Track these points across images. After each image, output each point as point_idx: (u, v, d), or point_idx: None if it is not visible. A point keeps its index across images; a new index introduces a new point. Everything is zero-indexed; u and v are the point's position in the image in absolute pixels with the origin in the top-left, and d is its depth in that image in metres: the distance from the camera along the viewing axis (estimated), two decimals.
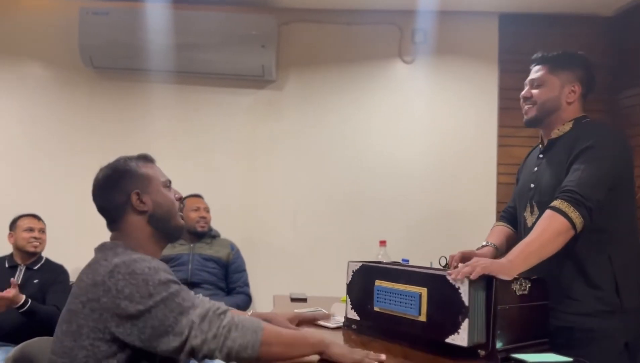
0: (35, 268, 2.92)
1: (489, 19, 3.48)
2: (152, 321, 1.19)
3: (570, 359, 1.33)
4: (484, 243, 1.92)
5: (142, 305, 1.19)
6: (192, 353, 1.20)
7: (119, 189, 1.37)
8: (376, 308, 1.60)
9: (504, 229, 1.98)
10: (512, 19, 3.46)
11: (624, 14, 3.35)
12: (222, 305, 1.27)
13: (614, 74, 3.40)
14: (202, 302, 1.25)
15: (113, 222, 1.39)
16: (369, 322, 1.64)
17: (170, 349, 1.19)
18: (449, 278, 1.40)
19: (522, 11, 3.41)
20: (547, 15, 3.41)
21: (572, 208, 1.53)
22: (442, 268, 1.78)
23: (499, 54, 3.48)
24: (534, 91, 1.77)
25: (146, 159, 1.45)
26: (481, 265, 1.39)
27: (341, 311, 1.81)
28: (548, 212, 1.57)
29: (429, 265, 2.08)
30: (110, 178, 1.39)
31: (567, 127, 1.74)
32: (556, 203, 1.56)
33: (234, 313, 1.28)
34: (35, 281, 2.86)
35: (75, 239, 3.13)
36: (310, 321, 1.75)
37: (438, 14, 3.41)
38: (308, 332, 1.50)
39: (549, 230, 1.53)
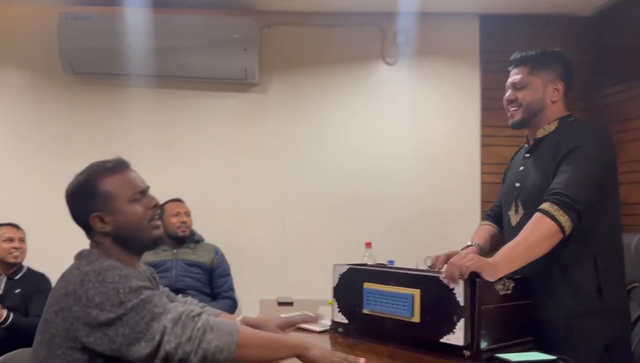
0: (17, 277, 2.88)
1: (469, 20, 3.50)
2: (123, 329, 1.17)
3: (554, 357, 1.34)
4: (469, 243, 1.91)
5: (112, 313, 1.17)
6: (167, 358, 1.18)
7: (80, 209, 1.35)
8: (365, 311, 1.60)
9: (489, 228, 1.98)
10: (492, 19, 3.49)
11: (602, 13, 3.39)
12: (195, 309, 1.25)
13: (593, 72, 3.44)
14: (174, 307, 1.23)
15: (86, 234, 1.38)
16: (357, 325, 1.64)
17: (143, 356, 1.17)
18: (442, 279, 1.41)
19: (502, 12, 3.44)
20: (527, 16, 3.45)
21: (561, 211, 1.52)
22: (428, 268, 1.78)
23: (480, 55, 3.51)
24: (518, 94, 1.75)
25: (118, 167, 1.38)
26: (467, 265, 1.39)
27: (328, 315, 1.81)
28: (537, 215, 1.55)
29: (414, 266, 2.09)
30: (75, 195, 1.36)
31: (553, 126, 1.73)
32: (545, 205, 1.54)
33: (216, 316, 1.26)
34: (17, 291, 2.82)
35: (57, 246, 3.07)
36: (297, 323, 1.71)
37: (419, 16, 3.43)
38: (288, 334, 1.48)
39: (536, 233, 1.52)
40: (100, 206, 1.33)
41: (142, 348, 1.17)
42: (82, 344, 1.19)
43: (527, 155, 1.79)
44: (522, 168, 1.79)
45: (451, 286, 1.39)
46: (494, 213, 2.01)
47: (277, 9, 3.48)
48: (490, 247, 1.94)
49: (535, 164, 1.73)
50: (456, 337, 1.37)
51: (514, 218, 1.77)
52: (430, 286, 1.45)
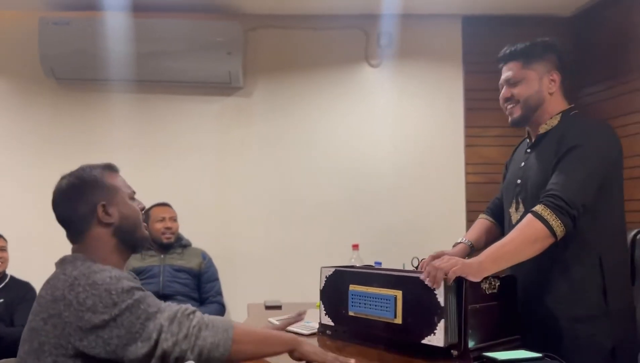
0: (0, 287, 2.83)
1: (452, 21, 3.53)
2: (117, 330, 1.17)
3: (540, 355, 1.35)
4: (460, 240, 1.88)
5: (106, 314, 1.17)
6: (164, 357, 1.18)
7: (84, 200, 1.33)
8: (351, 313, 1.60)
9: (485, 223, 1.94)
10: (474, 20, 3.52)
11: (581, 14, 3.44)
12: (189, 306, 1.26)
13: (574, 72, 3.49)
14: (168, 306, 1.24)
15: (75, 233, 1.35)
16: (344, 327, 1.64)
17: (140, 356, 1.17)
18: (423, 279, 1.40)
19: (484, 13, 3.47)
20: (509, 17, 3.48)
21: (554, 215, 1.48)
22: (415, 269, 1.79)
23: (463, 56, 3.54)
24: (514, 90, 1.69)
25: (111, 168, 1.42)
26: (452, 270, 1.39)
27: (315, 317, 1.81)
28: (528, 216, 1.52)
29: (401, 267, 2.10)
30: (75, 188, 1.35)
31: (555, 121, 1.67)
32: (538, 208, 1.51)
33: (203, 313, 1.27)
34: (1, 300, 2.78)
35: (41, 254, 3.04)
36: (284, 327, 1.71)
37: (402, 18, 3.45)
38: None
39: (524, 235, 1.50)
40: (106, 197, 1.34)
41: (139, 348, 1.17)
42: (74, 350, 1.18)
43: (529, 150, 1.74)
44: (523, 163, 1.74)
45: (432, 287, 1.39)
46: (494, 206, 1.96)
47: (261, 12, 3.48)
48: (485, 243, 1.90)
49: (536, 161, 1.68)
50: (437, 338, 1.37)
51: (514, 215, 1.73)
52: (412, 287, 1.44)
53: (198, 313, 1.24)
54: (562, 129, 1.63)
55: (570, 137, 1.58)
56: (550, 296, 1.61)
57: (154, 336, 1.17)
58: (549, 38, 1.73)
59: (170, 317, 1.20)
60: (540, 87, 1.68)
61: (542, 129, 1.70)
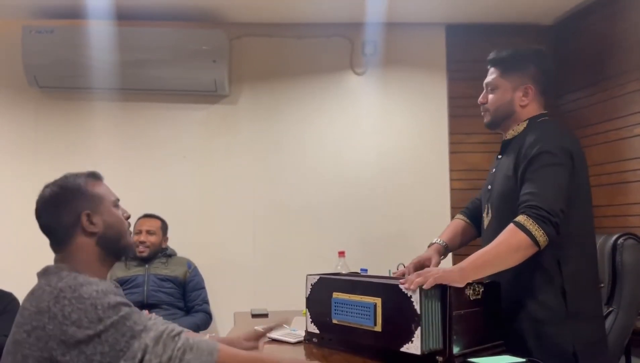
0: None
1: (436, 30, 3.57)
2: (101, 346, 1.15)
3: (524, 360, 1.37)
4: (434, 240, 1.92)
5: (91, 330, 1.15)
6: None
7: (68, 209, 1.32)
8: (334, 321, 1.60)
9: (460, 223, 1.98)
10: (458, 29, 3.56)
11: (563, 22, 3.50)
12: (176, 327, 1.25)
13: (555, 79, 3.54)
14: (155, 325, 1.22)
15: (59, 242, 1.34)
16: (329, 335, 1.65)
17: None
18: (401, 287, 1.41)
19: (467, 22, 3.51)
20: (491, 25, 3.53)
21: (536, 225, 1.49)
22: (398, 276, 1.79)
23: (446, 64, 3.57)
24: (490, 96, 1.76)
25: (94, 176, 1.41)
26: (434, 276, 1.40)
27: (302, 325, 1.81)
28: (511, 226, 1.53)
29: (387, 273, 2.11)
30: (59, 197, 1.34)
31: (522, 127, 1.71)
32: (520, 218, 1.52)
33: (189, 335, 1.26)
34: None
35: (24, 265, 3.01)
36: (269, 331, 1.71)
37: (386, 26, 3.48)
38: (267, 352, 1.48)
39: (506, 244, 1.51)
40: (90, 206, 1.33)
41: None
42: None
43: (499, 157, 1.79)
44: (494, 170, 1.80)
45: (409, 294, 1.39)
46: (472, 206, 2.00)
47: (246, 21, 3.49)
48: (460, 243, 1.95)
49: (502, 167, 1.73)
50: (414, 345, 1.37)
51: (485, 220, 1.78)
52: (390, 294, 1.45)
53: (183, 335, 1.23)
54: (525, 135, 1.67)
55: (536, 142, 1.60)
56: (515, 301, 1.63)
57: (139, 355, 1.16)
58: (533, 48, 1.77)
59: (156, 337, 1.18)
60: (512, 98, 1.73)
61: (509, 135, 1.76)
